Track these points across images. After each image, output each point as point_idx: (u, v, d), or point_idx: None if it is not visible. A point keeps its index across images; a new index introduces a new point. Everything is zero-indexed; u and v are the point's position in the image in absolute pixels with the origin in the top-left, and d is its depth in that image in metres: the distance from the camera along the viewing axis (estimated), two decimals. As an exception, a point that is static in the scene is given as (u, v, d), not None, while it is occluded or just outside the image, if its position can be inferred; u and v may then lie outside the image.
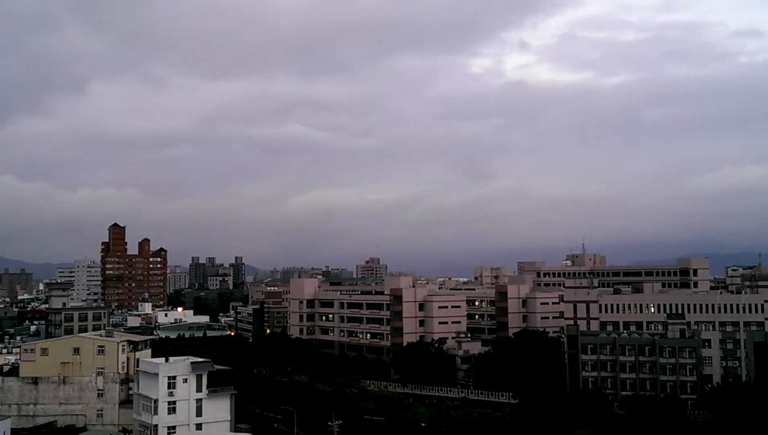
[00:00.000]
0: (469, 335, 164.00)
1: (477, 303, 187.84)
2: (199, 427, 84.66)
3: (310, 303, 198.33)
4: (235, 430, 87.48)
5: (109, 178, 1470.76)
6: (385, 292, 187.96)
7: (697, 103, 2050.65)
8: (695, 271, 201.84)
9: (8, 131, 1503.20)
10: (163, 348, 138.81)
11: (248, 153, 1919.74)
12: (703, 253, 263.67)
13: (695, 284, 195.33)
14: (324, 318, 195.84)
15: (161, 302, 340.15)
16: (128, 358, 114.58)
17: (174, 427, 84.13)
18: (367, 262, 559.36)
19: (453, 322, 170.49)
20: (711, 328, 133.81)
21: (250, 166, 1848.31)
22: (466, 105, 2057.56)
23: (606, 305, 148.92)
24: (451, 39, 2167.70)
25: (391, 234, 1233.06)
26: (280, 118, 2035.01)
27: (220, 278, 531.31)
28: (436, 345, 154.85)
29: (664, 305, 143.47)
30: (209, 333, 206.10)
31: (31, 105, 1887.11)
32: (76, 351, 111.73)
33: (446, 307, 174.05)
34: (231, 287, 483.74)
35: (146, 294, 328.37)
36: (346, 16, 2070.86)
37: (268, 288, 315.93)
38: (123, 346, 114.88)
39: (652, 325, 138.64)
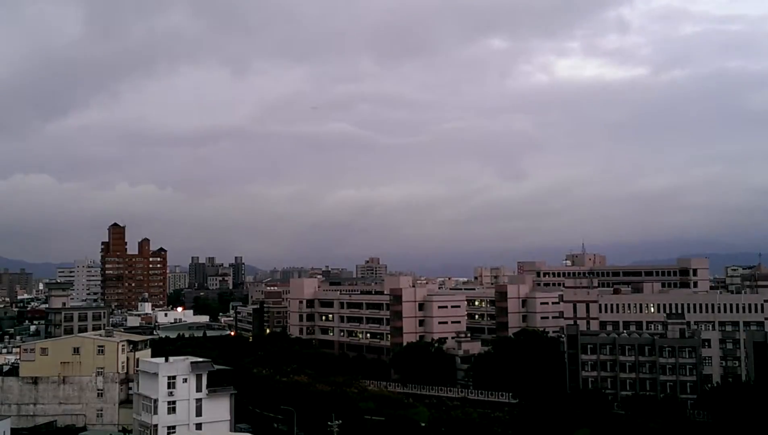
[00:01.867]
0: (468, 335, 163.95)
1: (477, 303, 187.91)
2: (198, 426, 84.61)
3: (310, 303, 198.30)
4: (235, 430, 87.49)
5: (140, 176, 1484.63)
6: (385, 292, 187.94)
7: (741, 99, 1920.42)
8: (695, 271, 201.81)
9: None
10: (163, 348, 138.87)
11: (291, 149, 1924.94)
12: (703, 253, 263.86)
13: (695, 284, 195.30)
14: (324, 318, 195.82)
15: (161, 302, 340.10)
16: (128, 358, 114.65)
17: (174, 427, 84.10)
18: (367, 262, 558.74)
19: (453, 322, 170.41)
20: (711, 328, 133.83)
21: (290, 163, 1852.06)
22: (517, 100, 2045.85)
23: (606, 305, 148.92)
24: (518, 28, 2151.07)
25: (425, 232, 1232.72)
26: (334, 114, 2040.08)
27: (220, 278, 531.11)
28: (436, 345, 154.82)
29: (664, 305, 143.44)
30: (209, 333, 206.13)
31: (75, 101, 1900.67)
32: (76, 351, 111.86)
33: (446, 307, 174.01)
34: (231, 287, 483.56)
35: (146, 294, 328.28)
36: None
37: (268, 288, 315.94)
38: (123, 346, 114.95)
39: (652, 325, 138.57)
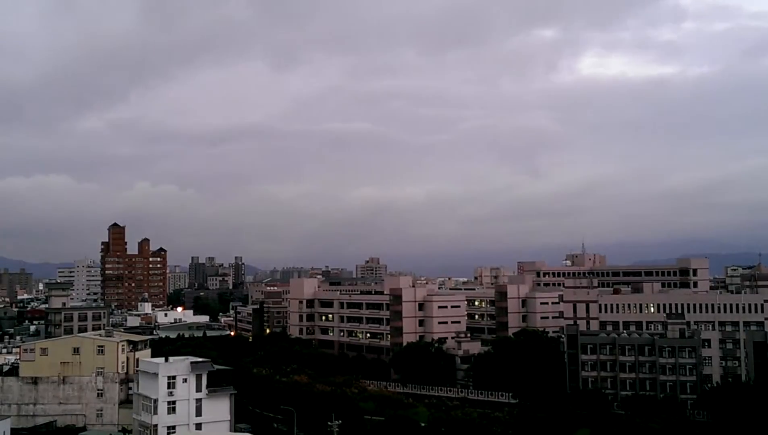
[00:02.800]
0: (468, 335, 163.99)
1: (477, 303, 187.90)
2: (198, 427, 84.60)
3: (310, 303, 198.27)
4: (235, 430, 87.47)
5: (155, 175, 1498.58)
6: (385, 292, 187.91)
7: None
8: (695, 271, 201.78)
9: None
10: (163, 348, 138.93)
11: (313, 148, 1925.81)
12: (703, 253, 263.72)
13: (695, 284, 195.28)
14: (324, 318, 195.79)
15: (161, 302, 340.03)
16: (128, 358, 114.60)
17: (174, 427, 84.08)
18: (367, 261, 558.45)
19: (453, 322, 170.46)
20: (711, 328, 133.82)
21: (309, 161, 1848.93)
22: (555, 95, 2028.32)
23: (606, 305, 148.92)
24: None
25: (443, 232, 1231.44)
26: (364, 110, 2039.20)
27: (220, 278, 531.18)
28: (436, 345, 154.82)
29: (664, 305, 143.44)
30: (209, 333, 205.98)
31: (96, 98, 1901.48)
32: (76, 351, 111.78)
33: (446, 307, 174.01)
34: (231, 287, 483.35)
35: (146, 294, 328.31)
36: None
37: (268, 288, 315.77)
38: (123, 346, 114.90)
39: (652, 325, 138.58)
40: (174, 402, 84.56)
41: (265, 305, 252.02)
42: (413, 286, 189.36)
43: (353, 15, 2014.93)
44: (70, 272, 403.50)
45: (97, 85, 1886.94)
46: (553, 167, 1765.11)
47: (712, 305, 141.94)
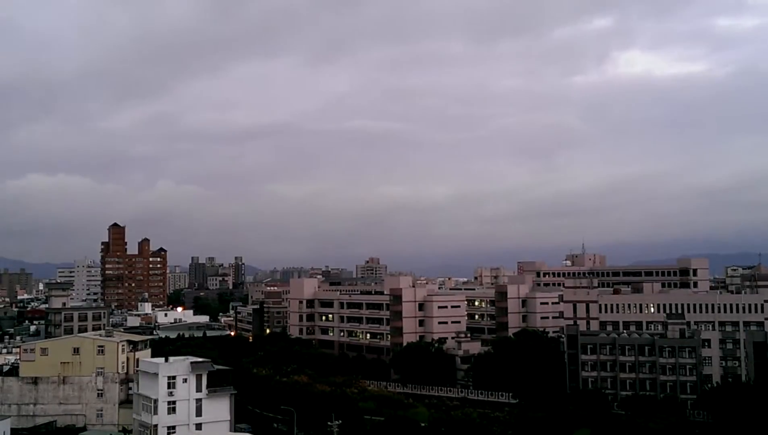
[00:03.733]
0: (468, 335, 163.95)
1: (477, 303, 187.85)
2: (198, 427, 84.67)
3: (310, 303, 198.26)
4: (235, 430, 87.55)
5: (172, 174, 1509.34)
6: (385, 292, 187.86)
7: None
8: (695, 271, 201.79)
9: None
10: (163, 348, 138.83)
11: (336, 146, 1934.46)
12: (703, 253, 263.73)
13: (695, 284, 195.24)
14: (324, 318, 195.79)
15: (161, 302, 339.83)
16: (128, 358, 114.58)
17: (174, 427, 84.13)
18: (367, 262, 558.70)
19: (453, 322, 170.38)
20: (711, 328, 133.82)
21: (329, 160, 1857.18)
22: (604, 89, 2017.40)
23: (606, 305, 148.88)
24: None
25: (463, 231, 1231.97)
26: (399, 105, 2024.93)
27: (220, 278, 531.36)
28: (436, 345, 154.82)
29: (664, 305, 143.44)
30: (209, 333, 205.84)
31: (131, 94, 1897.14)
32: (76, 351, 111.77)
33: (446, 307, 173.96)
34: (231, 287, 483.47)
35: (146, 294, 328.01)
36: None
37: (268, 288, 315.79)
38: (123, 346, 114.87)
39: (652, 325, 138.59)
40: (174, 402, 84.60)
41: (265, 305, 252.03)
42: (413, 286, 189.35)
43: (404, 3, 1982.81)
44: (70, 272, 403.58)
45: (137, 81, 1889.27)
46: (581, 165, 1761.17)
47: (712, 305, 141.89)
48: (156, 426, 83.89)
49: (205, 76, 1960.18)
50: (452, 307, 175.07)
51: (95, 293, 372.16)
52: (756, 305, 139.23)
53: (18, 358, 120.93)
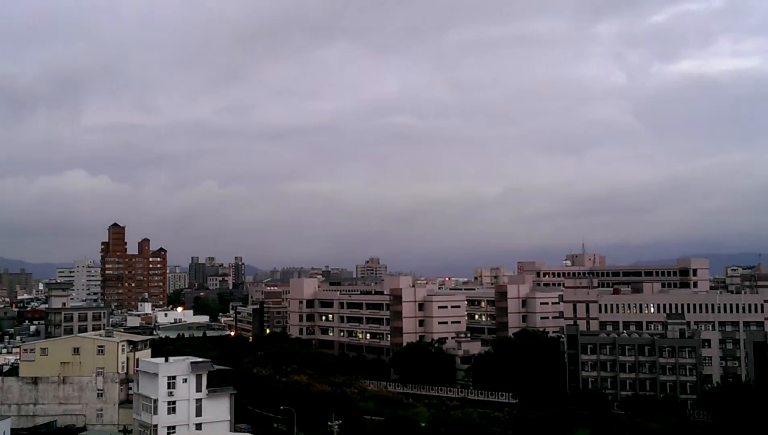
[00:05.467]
0: (468, 335, 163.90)
1: (477, 303, 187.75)
2: (198, 427, 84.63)
3: (310, 303, 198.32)
4: (235, 430, 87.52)
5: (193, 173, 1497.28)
6: (385, 292, 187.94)
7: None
8: (695, 271, 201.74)
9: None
10: (163, 348, 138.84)
11: (372, 143, 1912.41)
12: (703, 254, 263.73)
13: (695, 284, 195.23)
14: (324, 318, 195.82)
15: (161, 302, 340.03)
16: (128, 358, 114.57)
17: (174, 427, 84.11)
18: (367, 262, 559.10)
19: (453, 322, 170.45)
20: (711, 328, 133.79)
21: (358, 158, 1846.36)
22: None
23: (606, 305, 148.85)
24: None
25: (496, 230, 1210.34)
26: (454, 101, 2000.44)
27: (220, 278, 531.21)
28: (436, 345, 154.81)
29: (664, 305, 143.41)
30: (209, 333, 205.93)
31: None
32: (76, 351, 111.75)
33: (446, 307, 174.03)
34: (231, 287, 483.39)
35: (146, 294, 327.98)
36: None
37: (268, 288, 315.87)
38: (123, 346, 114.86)
39: (652, 325, 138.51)
40: (174, 402, 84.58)
41: (265, 305, 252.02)
42: (413, 286, 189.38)
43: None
44: (70, 272, 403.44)
45: (199, 72, 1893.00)
46: (628, 160, 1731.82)
47: (712, 305, 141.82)
48: (156, 426, 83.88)
49: (268, 68, 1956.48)
50: (452, 307, 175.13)
51: (95, 293, 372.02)
52: (756, 305, 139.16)
53: (18, 358, 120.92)
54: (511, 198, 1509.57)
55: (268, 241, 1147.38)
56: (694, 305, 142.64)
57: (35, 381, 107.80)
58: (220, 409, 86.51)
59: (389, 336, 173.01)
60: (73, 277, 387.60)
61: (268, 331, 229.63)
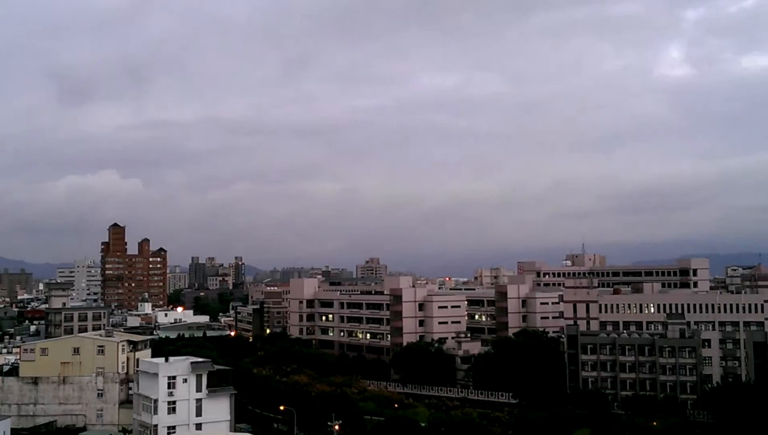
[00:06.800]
0: (468, 335, 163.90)
1: (477, 303, 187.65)
2: (198, 427, 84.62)
3: (310, 303, 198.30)
4: (235, 430, 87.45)
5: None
6: (385, 292, 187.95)
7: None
8: (695, 271, 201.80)
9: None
10: (163, 348, 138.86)
11: (396, 140, 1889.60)
12: (703, 254, 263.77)
13: (695, 284, 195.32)
14: (324, 318, 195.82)
15: (161, 302, 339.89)
16: (128, 358, 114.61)
17: (174, 427, 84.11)
18: (367, 262, 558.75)
19: (453, 322, 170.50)
20: (711, 328, 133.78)
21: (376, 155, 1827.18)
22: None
23: (606, 305, 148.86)
24: None
25: (521, 229, 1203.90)
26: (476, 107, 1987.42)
27: (220, 278, 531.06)
28: (436, 345, 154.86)
29: (664, 305, 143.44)
30: (209, 333, 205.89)
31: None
32: (76, 351, 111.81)
33: (446, 307, 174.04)
34: (231, 287, 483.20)
35: (146, 294, 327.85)
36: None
37: (268, 288, 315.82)
38: (123, 346, 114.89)
39: (652, 325, 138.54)
40: (174, 402, 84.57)
41: (265, 305, 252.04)
42: (413, 287, 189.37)
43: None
44: (70, 272, 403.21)
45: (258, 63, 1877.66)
46: (661, 157, 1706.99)
47: (712, 305, 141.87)
48: (156, 426, 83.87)
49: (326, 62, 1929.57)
50: (452, 307, 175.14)
51: (95, 293, 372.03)
52: (756, 305, 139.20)
53: (18, 358, 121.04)
54: (555, 193, 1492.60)
55: (274, 240, 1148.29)
56: (694, 305, 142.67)
57: (35, 381, 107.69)
58: (220, 409, 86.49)
59: (389, 336, 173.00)
60: (73, 277, 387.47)
61: (268, 331, 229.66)
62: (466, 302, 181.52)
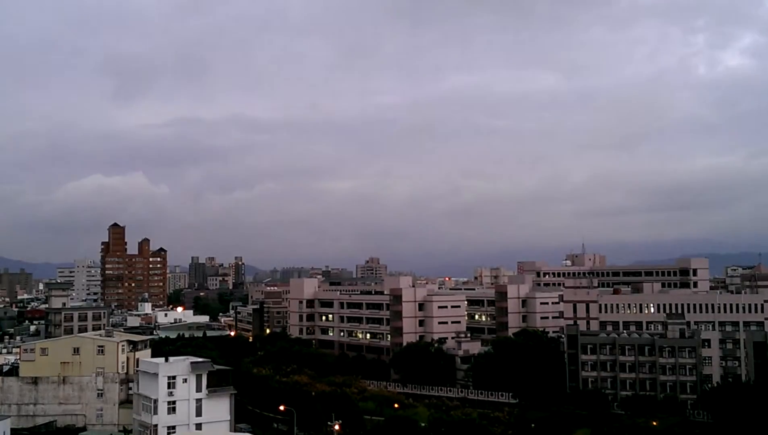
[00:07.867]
0: (468, 335, 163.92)
1: (477, 303, 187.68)
2: (198, 427, 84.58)
3: (310, 303, 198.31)
4: (235, 430, 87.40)
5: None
6: (385, 292, 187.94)
7: None
8: (695, 271, 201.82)
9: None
10: (163, 348, 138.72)
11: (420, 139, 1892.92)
12: (703, 254, 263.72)
13: (695, 284, 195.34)
14: (324, 318, 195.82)
15: (161, 302, 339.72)
16: (128, 358, 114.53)
17: (174, 427, 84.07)
18: (367, 262, 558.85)
19: (453, 322, 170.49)
20: (711, 328, 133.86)
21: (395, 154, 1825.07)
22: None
23: (606, 305, 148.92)
24: None
25: (548, 226, 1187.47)
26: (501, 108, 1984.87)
27: (220, 278, 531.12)
28: (436, 345, 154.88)
29: (664, 305, 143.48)
30: (209, 333, 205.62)
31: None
32: (76, 351, 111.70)
33: (446, 307, 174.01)
34: (231, 287, 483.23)
35: (146, 294, 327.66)
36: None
37: (268, 288, 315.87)
38: (123, 346, 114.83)
39: (652, 325, 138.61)
40: (174, 402, 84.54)
41: (265, 305, 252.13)
42: (413, 287, 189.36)
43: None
44: (70, 272, 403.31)
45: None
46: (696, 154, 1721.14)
47: (712, 305, 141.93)
48: (156, 426, 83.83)
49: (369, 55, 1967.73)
50: (452, 307, 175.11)
51: (95, 293, 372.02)
52: (756, 305, 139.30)
53: (18, 358, 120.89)
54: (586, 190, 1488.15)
55: (274, 240, 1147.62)
56: (694, 305, 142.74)
57: (35, 381, 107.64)
58: (220, 409, 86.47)
59: (389, 336, 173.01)
60: (73, 277, 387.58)
61: (268, 331, 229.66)
62: (466, 302, 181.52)
